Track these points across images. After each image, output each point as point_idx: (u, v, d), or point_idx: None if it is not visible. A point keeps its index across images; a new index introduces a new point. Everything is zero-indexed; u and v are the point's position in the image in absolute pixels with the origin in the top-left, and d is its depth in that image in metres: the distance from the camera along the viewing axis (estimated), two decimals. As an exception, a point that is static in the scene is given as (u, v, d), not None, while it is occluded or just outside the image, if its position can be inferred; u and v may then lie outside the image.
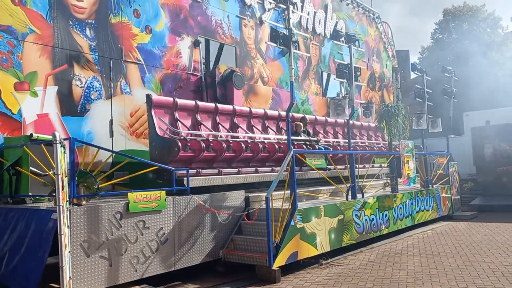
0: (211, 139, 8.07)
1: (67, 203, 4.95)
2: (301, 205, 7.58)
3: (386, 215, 9.55)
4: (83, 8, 7.89)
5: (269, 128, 10.08)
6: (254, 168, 8.70)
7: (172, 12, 9.36)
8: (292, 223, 6.94)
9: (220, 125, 8.94)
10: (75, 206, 5.49)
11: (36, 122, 7.05)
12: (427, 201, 11.49)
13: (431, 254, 7.98)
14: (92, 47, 7.95)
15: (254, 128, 9.67)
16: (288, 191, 7.16)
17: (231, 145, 8.20)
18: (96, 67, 7.96)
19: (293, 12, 8.63)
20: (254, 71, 11.30)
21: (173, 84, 9.19)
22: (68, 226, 4.86)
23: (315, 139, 10.36)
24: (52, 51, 7.40)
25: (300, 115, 10.92)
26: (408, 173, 10.38)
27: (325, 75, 13.99)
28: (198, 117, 8.58)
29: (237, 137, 8.87)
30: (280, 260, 6.67)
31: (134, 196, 5.99)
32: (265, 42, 11.32)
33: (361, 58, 15.28)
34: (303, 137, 10.00)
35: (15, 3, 7.00)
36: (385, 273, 6.75)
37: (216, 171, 7.97)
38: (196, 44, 9.77)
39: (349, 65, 9.45)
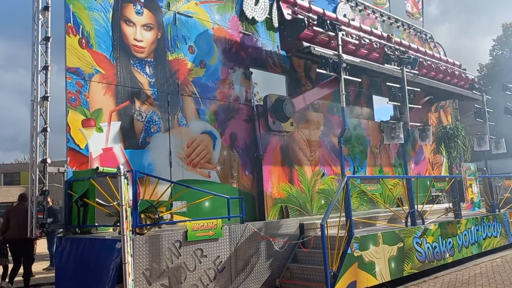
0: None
1: (130, 232, 5.20)
2: (357, 232, 7.42)
3: (450, 242, 9.08)
4: (143, 48, 8.44)
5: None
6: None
7: (224, 46, 9.75)
8: (349, 251, 6.80)
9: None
10: (137, 236, 5.75)
11: (102, 156, 7.52)
12: (494, 227, 10.80)
13: (501, 284, 7.45)
14: (151, 83, 8.44)
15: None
16: (344, 218, 7.05)
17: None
18: (155, 102, 8.41)
19: (342, 38, 8.73)
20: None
21: (226, 115, 9.48)
22: (131, 255, 5.09)
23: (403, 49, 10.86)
24: (115, 89, 7.93)
25: None
26: (472, 198, 9.86)
27: (375, 98, 13.78)
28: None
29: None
30: (338, 290, 6.52)
31: (192, 224, 6.17)
32: (315, 69, 11.41)
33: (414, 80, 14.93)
34: None
35: (82, 47, 7.63)
36: (451, 304, 6.39)
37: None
38: (247, 75, 10.06)
39: (402, 88, 9.30)
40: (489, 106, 12.37)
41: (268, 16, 10.66)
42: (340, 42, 8.40)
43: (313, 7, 10.24)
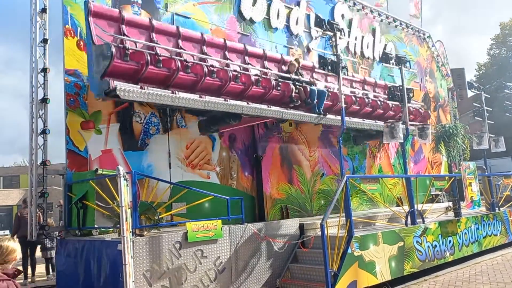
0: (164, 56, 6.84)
1: (130, 234, 5.20)
2: (357, 232, 7.42)
3: (450, 241, 9.09)
4: (141, 49, 8.42)
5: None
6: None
7: (223, 46, 9.72)
8: (349, 250, 6.80)
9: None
10: (137, 237, 5.74)
11: (101, 158, 7.51)
12: (494, 226, 10.80)
13: (502, 282, 7.45)
14: (150, 84, 8.41)
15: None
16: (343, 217, 7.05)
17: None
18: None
19: (340, 38, 8.72)
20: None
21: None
22: (131, 256, 5.09)
23: (307, 80, 9.11)
24: (114, 91, 7.91)
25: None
26: (472, 196, 9.86)
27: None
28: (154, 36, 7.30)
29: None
30: (339, 289, 6.51)
31: (192, 225, 6.16)
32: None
33: (413, 79, 14.96)
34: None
35: (80, 49, 7.62)
36: (452, 303, 6.39)
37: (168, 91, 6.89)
38: (246, 75, 10.04)
39: (400, 87, 9.31)
40: (488, 104, 12.38)
41: (266, 17, 10.67)
42: (338, 42, 8.40)
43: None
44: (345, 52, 12.52)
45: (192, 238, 6.13)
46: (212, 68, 7.39)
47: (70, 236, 7.06)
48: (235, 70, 7.84)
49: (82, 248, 6.42)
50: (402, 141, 8.88)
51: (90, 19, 6.67)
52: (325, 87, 9.45)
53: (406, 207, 8.64)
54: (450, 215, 9.96)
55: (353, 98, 9.96)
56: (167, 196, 7.65)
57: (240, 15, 10.17)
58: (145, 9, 8.52)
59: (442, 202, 11.56)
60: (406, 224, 8.45)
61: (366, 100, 10.25)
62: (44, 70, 7.49)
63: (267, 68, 8.88)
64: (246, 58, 8.75)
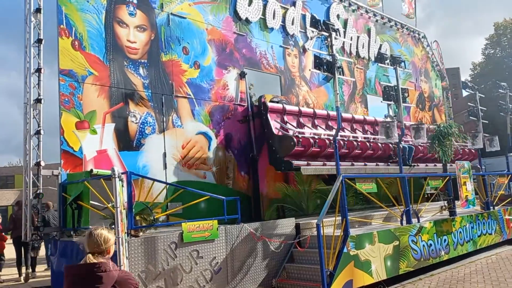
0: (316, 137, 9.45)
1: (126, 234, 5.18)
2: (353, 231, 7.43)
3: (445, 240, 9.12)
4: (136, 49, 8.41)
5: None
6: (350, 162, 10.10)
7: (218, 46, 9.74)
8: (345, 250, 6.81)
9: (318, 127, 10.38)
10: (133, 238, 5.72)
11: (96, 158, 7.49)
12: (489, 224, 10.86)
13: (496, 281, 7.50)
14: (145, 84, 8.41)
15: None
16: (339, 217, 7.07)
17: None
18: (150, 103, 8.39)
19: (335, 38, 8.74)
20: (300, 98, 11.41)
21: (221, 116, 9.47)
22: (126, 257, 5.07)
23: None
24: (109, 91, 7.90)
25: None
26: (466, 195, 9.90)
27: (369, 98, 13.84)
28: (301, 120, 10.14)
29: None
30: (335, 289, 6.52)
31: (187, 226, 6.15)
32: (309, 70, 11.45)
33: (408, 79, 15.02)
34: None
35: (75, 49, 7.59)
36: (447, 302, 6.41)
37: (320, 163, 9.38)
38: (242, 75, 10.06)
39: (396, 87, 9.34)
40: (483, 104, 12.44)
41: (262, 17, 10.68)
42: (333, 42, 8.41)
43: (302, 109, 10.42)
44: (340, 52, 12.56)
45: (188, 239, 6.12)
46: (345, 140, 10.06)
47: (65, 237, 7.02)
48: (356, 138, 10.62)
49: (77, 249, 6.39)
50: (397, 140, 8.91)
51: (268, 115, 9.47)
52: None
53: (402, 206, 8.66)
54: (445, 214, 10.00)
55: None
56: (162, 196, 7.63)
57: (236, 15, 10.17)
58: (141, 9, 8.51)
59: (437, 201, 11.60)
60: (401, 223, 8.47)
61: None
62: (39, 70, 7.45)
63: (367, 131, 11.55)
64: (353, 125, 11.41)
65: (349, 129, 11.36)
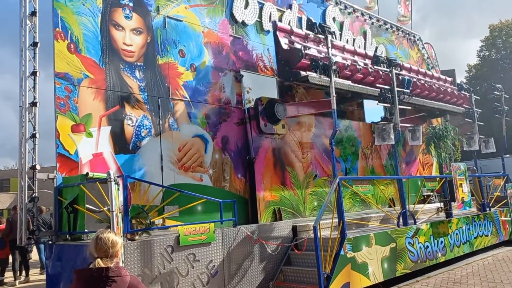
0: (321, 55, 9.65)
1: (122, 238, 5.16)
2: (350, 233, 7.43)
3: (441, 242, 9.14)
4: (132, 52, 8.39)
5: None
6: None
7: (215, 49, 9.74)
8: (342, 252, 6.81)
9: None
10: (129, 241, 5.70)
11: (92, 161, 7.45)
12: (485, 226, 10.89)
13: (493, 282, 7.52)
14: (142, 87, 8.39)
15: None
16: (336, 219, 7.06)
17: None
18: (146, 106, 8.37)
19: (332, 41, 8.77)
20: (296, 100, 11.41)
21: (217, 118, 9.46)
22: (122, 261, 5.05)
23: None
24: (105, 94, 7.87)
25: None
26: (463, 197, 9.94)
27: (366, 100, 13.85)
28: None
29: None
30: (332, 292, 6.52)
31: (184, 229, 6.13)
32: (306, 72, 11.45)
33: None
34: None
35: (71, 52, 7.56)
36: (444, 304, 6.42)
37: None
38: (238, 78, 10.06)
39: (392, 89, 9.36)
40: (478, 106, 12.50)
41: (258, 19, 10.68)
42: (330, 45, 8.44)
43: (308, 32, 10.44)
44: (336, 54, 12.56)
45: (184, 242, 6.10)
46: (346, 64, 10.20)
47: (60, 241, 6.98)
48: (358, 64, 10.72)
49: (73, 253, 6.36)
50: (393, 142, 8.93)
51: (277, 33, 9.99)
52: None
53: (398, 208, 8.68)
54: (442, 216, 10.03)
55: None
56: (159, 199, 7.61)
57: (232, 18, 10.17)
58: (137, 12, 8.50)
59: (434, 203, 11.62)
60: (398, 225, 8.49)
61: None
62: (34, 73, 7.42)
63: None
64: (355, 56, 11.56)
65: (352, 57, 11.56)
